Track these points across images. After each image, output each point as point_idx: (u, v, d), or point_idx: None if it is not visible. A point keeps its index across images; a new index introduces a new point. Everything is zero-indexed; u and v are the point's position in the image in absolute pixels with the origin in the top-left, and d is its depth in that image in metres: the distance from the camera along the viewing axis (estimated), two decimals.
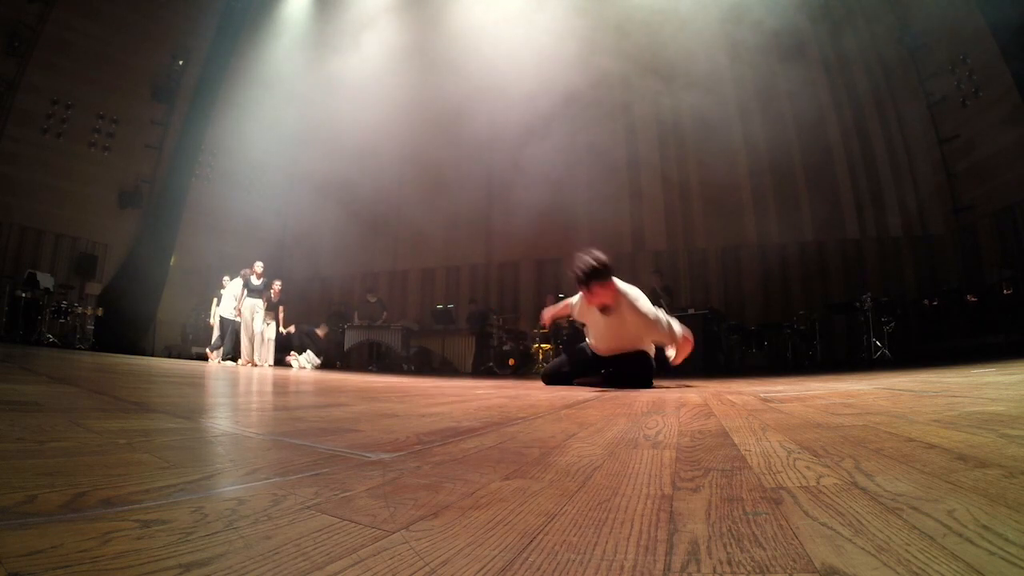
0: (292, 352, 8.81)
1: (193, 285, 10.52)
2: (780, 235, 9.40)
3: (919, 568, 0.38)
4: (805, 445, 0.91)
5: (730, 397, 2.15)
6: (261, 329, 8.13)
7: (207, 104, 10.66)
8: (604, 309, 3.22)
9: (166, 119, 10.59)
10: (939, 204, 8.74)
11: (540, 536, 0.48)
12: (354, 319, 10.22)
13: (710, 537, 0.47)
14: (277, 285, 8.58)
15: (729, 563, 0.41)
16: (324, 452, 0.90)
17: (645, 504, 0.58)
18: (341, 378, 4.56)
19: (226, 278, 8.64)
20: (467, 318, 9.74)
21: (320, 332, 9.52)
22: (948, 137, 8.47)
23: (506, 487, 0.67)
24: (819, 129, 9.29)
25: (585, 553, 0.44)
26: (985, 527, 0.45)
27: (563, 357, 3.95)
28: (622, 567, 0.41)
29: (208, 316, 9.16)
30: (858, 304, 7.51)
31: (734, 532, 0.48)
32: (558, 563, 0.42)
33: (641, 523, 0.51)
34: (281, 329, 8.62)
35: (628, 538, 0.47)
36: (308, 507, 0.56)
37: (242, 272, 8.34)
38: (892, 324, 7.24)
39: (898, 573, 0.38)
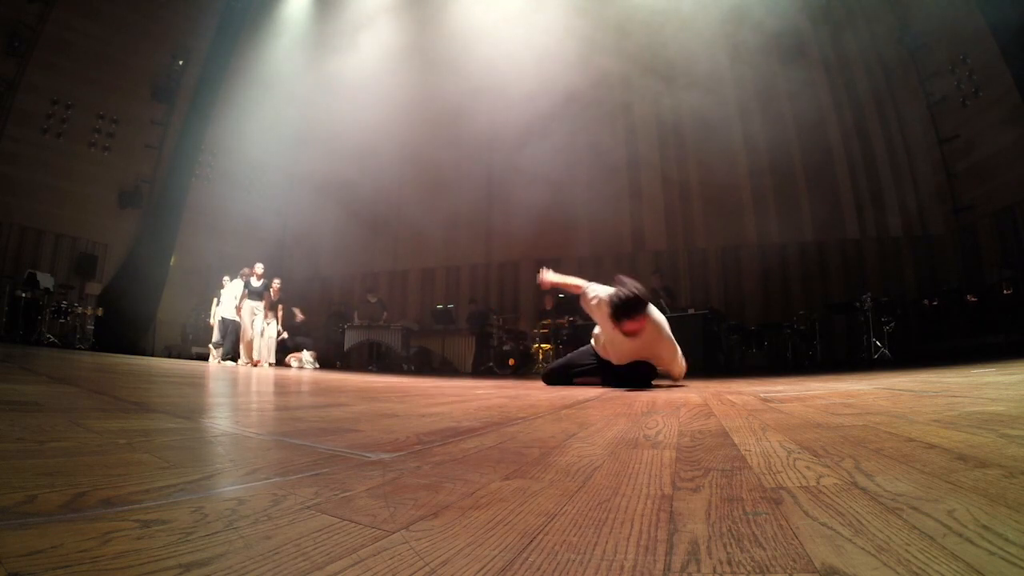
0: (291, 352, 8.81)
1: (193, 285, 10.52)
2: (780, 235, 9.40)
3: (919, 568, 0.38)
4: (805, 445, 0.91)
5: (730, 397, 2.15)
6: (261, 328, 8.13)
7: (207, 104, 10.66)
8: (630, 334, 3.17)
9: (166, 119, 10.59)
10: (939, 204, 8.74)
11: (540, 536, 0.48)
12: (354, 319, 10.21)
13: (710, 537, 0.47)
14: (276, 283, 8.57)
15: (729, 563, 0.41)
16: (324, 452, 0.90)
17: (645, 504, 0.58)
18: (341, 378, 4.56)
19: (226, 278, 8.64)
20: (467, 318, 9.74)
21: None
22: (948, 137, 8.47)
23: (506, 487, 0.67)
24: (819, 129, 9.29)
25: (585, 553, 0.44)
26: (985, 527, 0.45)
27: (567, 357, 3.91)
28: (622, 567, 0.41)
29: (208, 316, 9.16)
30: (858, 304, 7.51)
31: (734, 532, 0.48)
32: (558, 563, 0.42)
33: (641, 523, 0.51)
34: (280, 328, 8.59)
35: (628, 538, 0.47)
36: (308, 507, 0.56)
37: (241, 272, 8.33)
38: (892, 324, 7.24)
39: (898, 573, 0.38)
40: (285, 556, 0.42)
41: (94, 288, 9.56)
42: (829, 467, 0.73)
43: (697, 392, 2.63)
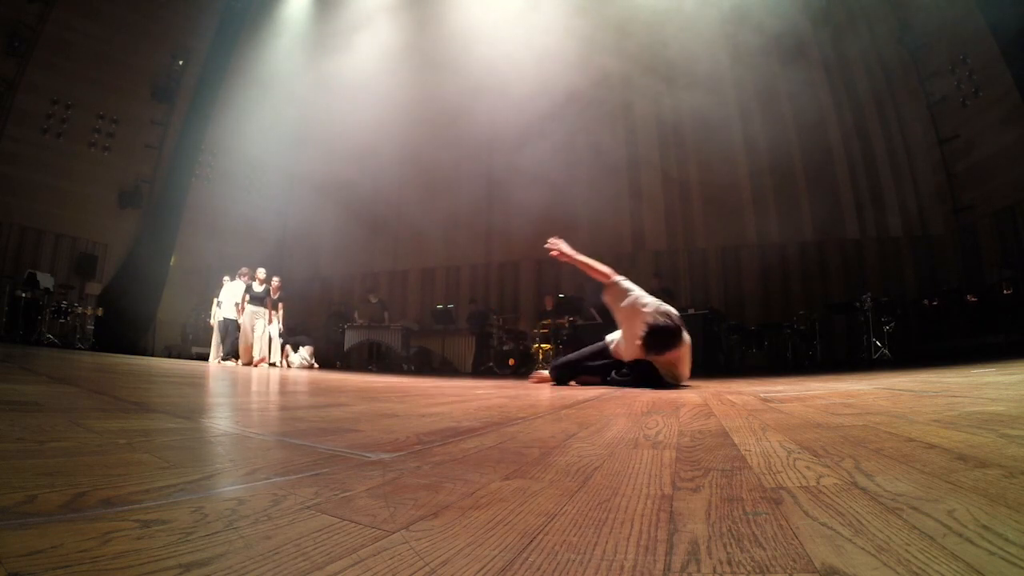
0: (291, 351, 8.81)
1: (193, 285, 10.52)
2: (780, 235, 9.40)
3: (919, 568, 0.38)
4: (805, 445, 0.91)
5: (730, 397, 2.15)
6: (263, 330, 8.10)
7: (207, 104, 10.66)
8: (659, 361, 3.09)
9: (166, 119, 10.59)
10: (939, 204, 8.74)
11: (540, 536, 0.48)
12: (355, 319, 10.22)
13: (710, 537, 0.47)
14: (276, 281, 8.52)
15: (729, 563, 0.41)
16: (324, 452, 0.90)
17: (645, 504, 0.58)
18: (341, 378, 4.56)
19: (226, 278, 8.63)
20: (467, 318, 9.74)
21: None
22: (948, 137, 8.47)
23: (506, 487, 0.67)
24: (819, 129, 9.30)
25: (585, 553, 0.44)
26: (985, 527, 0.45)
27: (579, 353, 3.77)
28: (622, 567, 0.41)
29: (208, 316, 9.15)
30: (858, 304, 7.51)
31: (734, 532, 0.48)
32: (558, 563, 0.42)
33: (641, 523, 0.51)
34: (281, 328, 8.57)
35: (628, 538, 0.47)
36: (308, 507, 0.56)
37: (240, 271, 8.34)
38: (892, 324, 7.24)
39: (898, 573, 0.38)
40: (285, 556, 0.42)
41: (94, 288, 9.56)
42: (829, 467, 0.73)
43: (697, 392, 2.63)
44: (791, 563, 0.40)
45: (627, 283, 3.40)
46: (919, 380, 2.61)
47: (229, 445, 0.98)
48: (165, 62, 10.52)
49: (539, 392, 2.91)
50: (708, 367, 6.78)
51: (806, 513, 0.52)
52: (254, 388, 2.93)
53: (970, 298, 7.21)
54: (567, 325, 8.33)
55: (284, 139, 11.97)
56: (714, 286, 9.72)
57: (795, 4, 8.87)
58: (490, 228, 11.18)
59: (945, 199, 8.62)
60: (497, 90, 9.53)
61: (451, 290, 11.43)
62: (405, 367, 9.34)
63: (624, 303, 3.28)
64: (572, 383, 3.62)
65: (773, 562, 0.40)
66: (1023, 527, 0.45)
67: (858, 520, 0.49)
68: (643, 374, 3.21)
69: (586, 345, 3.87)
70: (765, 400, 1.93)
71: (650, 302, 3.25)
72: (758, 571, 0.39)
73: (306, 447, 0.95)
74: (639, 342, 3.02)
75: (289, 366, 8.47)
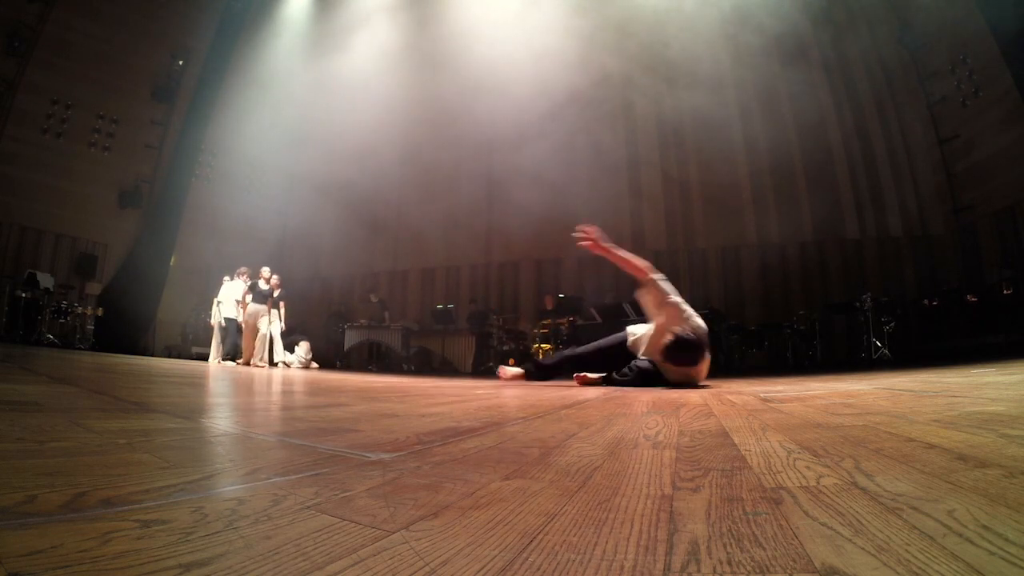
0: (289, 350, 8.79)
1: (193, 285, 10.51)
2: (780, 235, 9.41)
3: (919, 568, 0.38)
4: (805, 445, 0.91)
5: (730, 397, 2.15)
6: (266, 329, 8.06)
7: (207, 104, 10.66)
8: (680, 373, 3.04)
9: (166, 119, 10.59)
10: (939, 204, 8.74)
11: (540, 536, 0.48)
12: (356, 319, 10.21)
13: (710, 537, 0.47)
14: (275, 279, 8.45)
15: (729, 563, 0.41)
16: (324, 452, 0.90)
17: (645, 504, 0.58)
18: (341, 378, 4.56)
19: (226, 278, 8.62)
20: (467, 318, 9.74)
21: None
22: (948, 137, 8.47)
23: (506, 487, 0.67)
24: (819, 129, 9.30)
25: (585, 553, 0.44)
26: (985, 527, 0.45)
27: (595, 346, 3.66)
28: (622, 567, 0.41)
29: (208, 316, 9.14)
30: (858, 304, 7.51)
31: (734, 532, 0.48)
32: (558, 563, 0.42)
33: (641, 523, 0.51)
34: (283, 326, 8.51)
35: (628, 538, 0.47)
36: (308, 507, 0.56)
37: (239, 270, 8.32)
38: (892, 324, 7.24)
39: (898, 573, 0.38)
40: (285, 556, 0.42)
41: (94, 288, 9.56)
42: (829, 467, 0.73)
43: (697, 392, 2.63)
44: (791, 563, 0.40)
45: (666, 284, 3.29)
46: (919, 380, 2.61)
47: (229, 445, 0.98)
48: (165, 62, 10.52)
49: (539, 392, 2.92)
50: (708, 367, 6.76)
51: (806, 513, 0.52)
52: (254, 388, 2.93)
53: (970, 298, 7.21)
54: (567, 325, 8.33)
55: (284, 139, 11.97)
56: (714, 286, 9.72)
57: (795, 5, 8.88)
58: (490, 228, 11.18)
59: (945, 199, 8.62)
60: (497, 90, 9.53)
61: (451, 290, 11.43)
62: (405, 367, 9.34)
63: (661, 305, 3.17)
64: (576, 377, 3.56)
65: (773, 562, 0.40)
66: (1023, 527, 0.45)
67: (858, 520, 0.49)
68: (644, 375, 3.20)
69: (585, 343, 3.83)
70: (765, 400, 1.93)
71: (688, 312, 3.17)
72: (758, 571, 0.39)
73: (306, 447, 0.95)
74: (662, 348, 2.97)
75: (288, 365, 8.46)
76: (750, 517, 0.52)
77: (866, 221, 9.13)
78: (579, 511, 0.56)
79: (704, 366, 3.09)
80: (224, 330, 8.23)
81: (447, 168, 11.22)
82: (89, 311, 9.06)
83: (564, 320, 8.42)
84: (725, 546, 0.44)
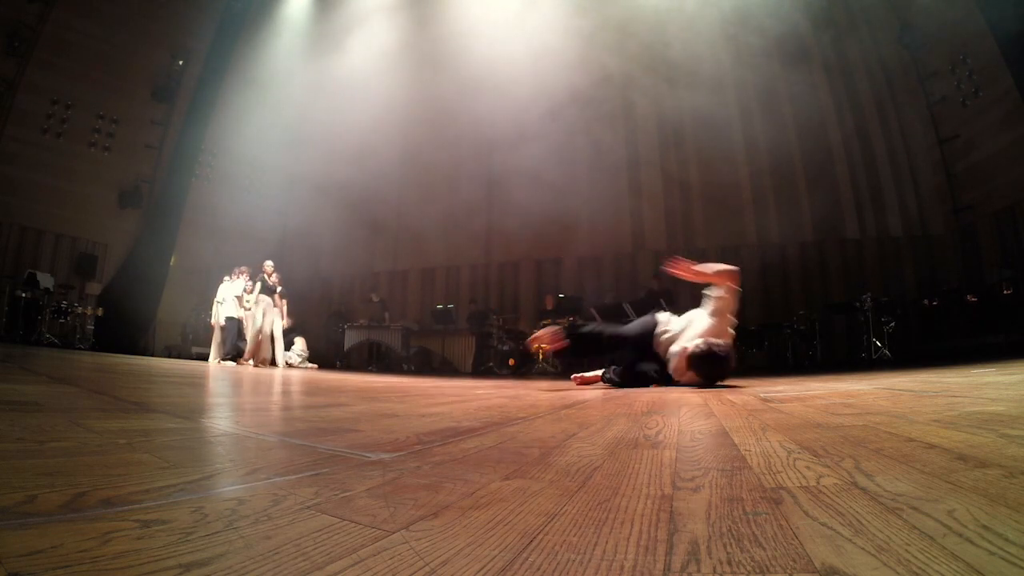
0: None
1: (193, 285, 10.51)
2: (780, 235, 9.40)
3: (919, 568, 0.38)
4: (805, 445, 0.91)
5: (730, 397, 2.15)
6: (271, 326, 8.00)
7: (207, 104, 10.66)
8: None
9: (166, 119, 10.59)
10: (939, 204, 8.74)
11: (540, 536, 0.48)
12: (356, 319, 10.21)
13: (710, 537, 0.47)
14: (275, 276, 8.28)
15: (729, 563, 0.41)
16: (324, 452, 0.90)
17: (645, 504, 0.58)
18: (341, 378, 4.56)
19: (226, 278, 8.62)
20: (467, 318, 9.74)
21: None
22: (948, 137, 8.47)
23: (506, 487, 0.67)
24: (819, 129, 9.30)
25: (585, 553, 0.44)
26: (985, 527, 0.45)
27: (618, 333, 3.61)
28: (622, 567, 0.41)
29: (209, 316, 9.12)
30: (858, 304, 7.51)
31: (734, 532, 0.48)
32: (558, 563, 0.42)
33: (641, 523, 0.51)
34: (284, 323, 8.42)
35: (628, 538, 0.47)
36: (308, 507, 0.56)
37: (240, 269, 8.31)
38: (892, 324, 7.24)
39: (898, 573, 0.38)
40: (285, 556, 0.42)
41: (94, 288, 9.56)
42: (829, 467, 0.73)
43: (697, 392, 2.63)
44: (791, 563, 0.40)
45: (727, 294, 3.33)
46: (919, 380, 2.61)
47: (229, 445, 0.98)
48: (165, 62, 10.52)
49: (539, 392, 2.92)
50: None
51: (806, 513, 0.52)
52: (254, 388, 2.93)
53: (970, 298, 7.21)
54: (567, 325, 8.33)
55: (284, 139, 11.97)
56: None
57: (796, 5, 8.88)
58: (490, 228, 11.18)
59: (945, 199, 8.62)
60: (497, 90, 9.53)
61: (451, 290, 11.43)
62: (405, 367, 9.34)
63: (722, 313, 3.19)
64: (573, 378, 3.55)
65: (773, 562, 0.40)
66: (1023, 527, 0.45)
67: (858, 520, 0.49)
68: (636, 377, 3.22)
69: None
70: (765, 400, 1.93)
71: (732, 332, 3.20)
72: (758, 571, 0.39)
73: (306, 447, 0.95)
74: (691, 353, 2.95)
75: (291, 365, 8.45)
76: (750, 517, 0.52)
77: (866, 221, 9.13)
78: (579, 511, 0.56)
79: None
80: (224, 330, 8.22)
81: (447, 168, 11.22)
82: (89, 311, 9.05)
83: (564, 320, 8.42)
84: (725, 546, 0.44)
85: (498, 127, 9.91)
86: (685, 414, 1.55)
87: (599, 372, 3.79)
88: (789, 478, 0.68)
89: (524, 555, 0.44)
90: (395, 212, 12.05)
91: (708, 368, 2.88)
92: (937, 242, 8.72)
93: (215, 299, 8.51)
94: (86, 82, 9.42)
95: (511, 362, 8.69)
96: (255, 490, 0.64)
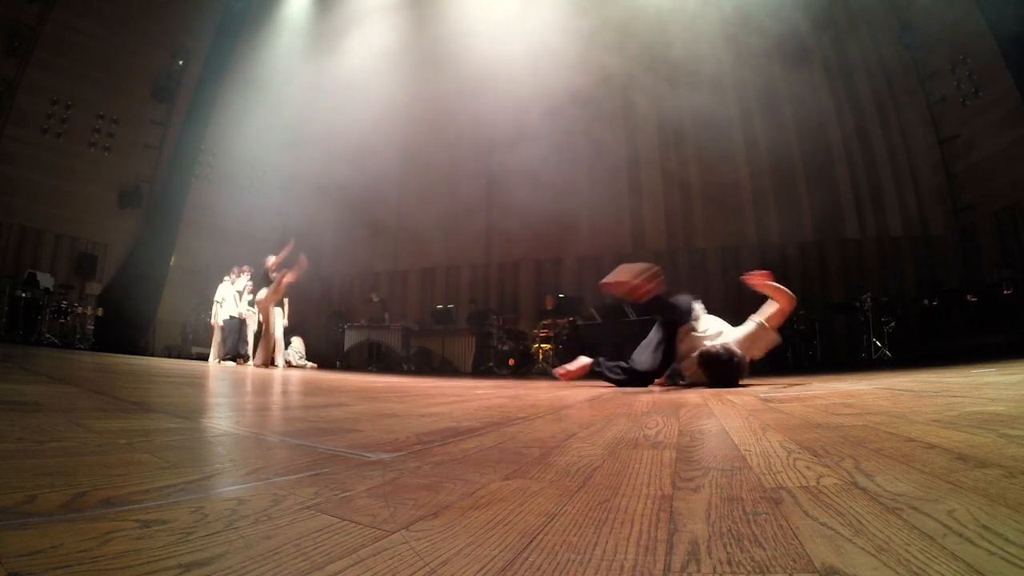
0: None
1: (193, 285, 10.51)
2: (780, 235, 9.40)
3: (919, 568, 0.38)
4: (805, 445, 0.91)
5: (730, 397, 2.15)
6: (280, 325, 7.94)
7: (207, 104, 10.66)
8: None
9: (166, 119, 10.59)
10: (939, 204, 8.74)
11: (540, 536, 0.48)
12: (356, 319, 10.21)
13: (710, 537, 0.47)
14: (271, 261, 8.11)
15: (729, 563, 0.41)
16: (324, 452, 0.90)
17: (645, 504, 0.58)
18: (341, 378, 4.56)
19: (226, 278, 8.62)
20: (467, 318, 9.74)
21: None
22: (948, 137, 8.47)
23: (506, 487, 0.67)
24: (819, 129, 9.30)
25: (585, 553, 0.44)
26: (985, 527, 0.45)
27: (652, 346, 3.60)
28: (622, 567, 0.41)
29: (208, 316, 9.12)
30: (858, 304, 7.51)
31: (734, 532, 0.48)
32: (558, 563, 0.42)
33: (641, 523, 0.51)
34: (286, 322, 8.37)
35: (628, 538, 0.47)
36: (308, 507, 0.56)
37: (242, 269, 8.30)
38: (892, 324, 7.24)
39: (898, 573, 0.38)
40: (285, 556, 0.42)
41: (94, 288, 9.56)
42: (829, 467, 0.73)
43: (697, 392, 2.63)
44: (791, 563, 0.40)
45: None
46: (919, 380, 2.61)
47: (229, 445, 0.98)
48: (165, 62, 10.52)
49: (539, 392, 2.92)
50: None
51: (806, 513, 0.52)
52: (254, 388, 2.93)
53: (970, 298, 7.21)
54: (567, 325, 8.33)
55: (284, 139, 11.97)
56: (714, 286, 9.71)
57: (796, 6, 8.88)
58: (490, 228, 11.18)
59: (945, 199, 8.62)
60: (497, 90, 9.53)
61: (451, 290, 11.43)
62: (405, 367, 9.34)
63: (762, 330, 3.34)
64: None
65: (773, 562, 0.40)
66: (1023, 527, 0.45)
67: (858, 520, 0.49)
68: (635, 376, 3.23)
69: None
70: (765, 400, 1.93)
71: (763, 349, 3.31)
72: (758, 571, 0.39)
73: (306, 447, 0.95)
74: (703, 351, 2.99)
75: (290, 364, 8.44)
76: (750, 517, 0.52)
77: (866, 221, 9.13)
78: (579, 511, 0.56)
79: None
80: (224, 330, 8.22)
81: (447, 168, 11.22)
82: (89, 311, 9.05)
83: (564, 320, 8.42)
84: (725, 546, 0.44)
85: (498, 127, 9.91)
86: (685, 414, 1.55)
87: (585, 361, 3.75)
88: (789, 478, 0.68)
89: (524, 555, 0.44)
90: (395, 212, 12.05)
91: (718, 371, 2.89)
92: (937, 242, 8.72)
93: (215, 299, 8.51)
94: (86, 82, 9.42)
95: (511, 362, 8.68)
96: (255, 490, 0.64)
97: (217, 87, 10.74)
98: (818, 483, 0.64)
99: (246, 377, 4.12)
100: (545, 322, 8.73)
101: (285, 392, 2.75)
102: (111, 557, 0.41)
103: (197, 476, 0.70)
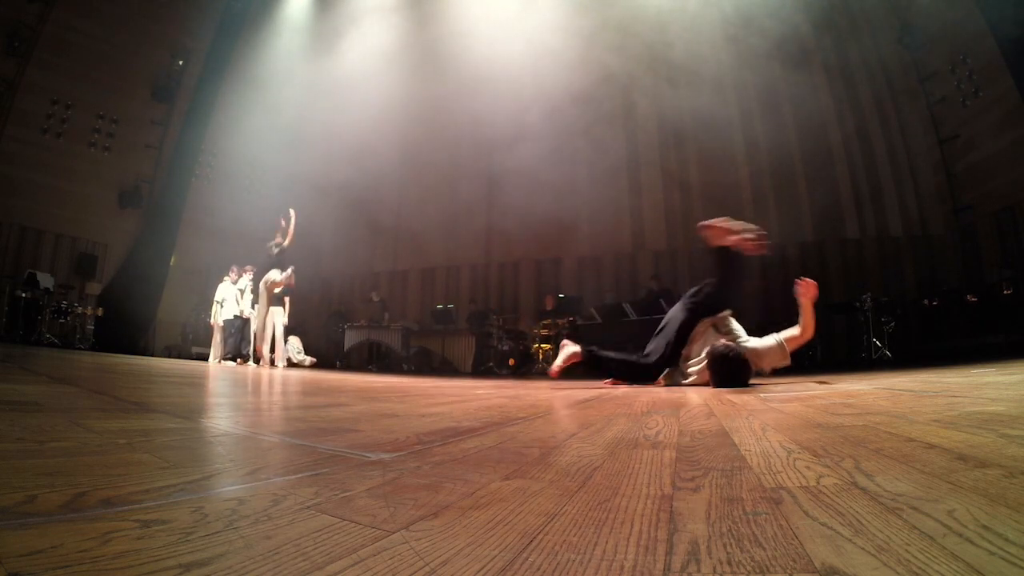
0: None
1: (193, 285, 10.52)
2: (780, 235, 9.40)
3: (919, 568, 0.38)
4: (805, 445, 0.91)
5: (730, 397, 2.15)
6: (273, 328, 7.94)
7: (207, 104, 10.67)
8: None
9: (166, 119, 10.59)
10: (939, 204, 8.75)
11: (540, 536, 0.48)
12: (356, 319, 10.21)
13: (710, 537, 0.47)
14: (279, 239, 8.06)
15: (729, 563, 0.41)
16: (324, 452, 0.90)
17: (645, 504, 0.58)
18: (341, 378, 4.56)
19: (226, 278, 8.62)
20: (467, 318, 9.74)
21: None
22: (948, 137, 8.47)
23: (506, 487, 0.67)
24: (820, 129, 9.30)
25: (585, 553, 0.44)
26: (985, 527, 0.45)
27: (664, 343, 3.63)
28: (622, 567, 0.41)
29: (208, 316, 9.12)
30: (858, 304, 7.51)
31: (734, 532, 0.48)
32: (558, 563, 0.42)
33: (641, 523, 0.51)
34: (286, 321, 8.35)
35: (628, 538, 0.47)
36: (308, 507, 0.56)
37: (243, 269, 8.31)
38: (892, 324, 7.24)
39: (898, 573, 0.38)
40: (285, 556, 0.42)
41: (94, 288, 9.57)
42: (829, 467, 0.73)
43: (697, 392, 2.63)
44: (791, 563, 0.40)
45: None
46: (919, 380, 2.61)
47: (229, 445, 0.98)
48: (165, 62, 10.53)
49: (539, 392, 2.92)
50: None
51: (806, 513, 0.52)
52: (254, 388, 2.93)
53: (970, 298, 7.21)
54: (567, 325, 8.33)
55: (284, 139, 11.96)
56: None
57: (797, 6, 8.89)
58: (490, 228, 11.18)
59: (945, 199, 8.62)
60: (497, 90, 9.53)
61: (451, 290, 11.43)
62: (405, 367, 9.34)
63: (784, 345, 3.34)
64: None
65: (773, 562, 0.40)
66: (1023, 527, 0.45)
67: (858, 520, 0.49)
68: (637, 371, 3.23)
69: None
70: (765, 400, 1.93)
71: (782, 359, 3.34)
72: (758, 571, 0.39)
73: (306, 447, 0.95)
74: (713, 347, 2.99)
75: (289, 362, 8.43)
76: (750, 517, 0.52)
77: (866, 221, 9.13)
78: (579, 511, 0.56)
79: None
80: (224, 330, 8.22)
81: (446, 168, 11.22)
82: (89, 311, 9.06)
83: (564, 320, 8.42)
84: (725, 546, 0.44)
85: (498, 127, 9.91)
86: (685, 414, 1.55)
87: (572, 349, 3.75)
88: (789, 478, 0.68)
89: (524, 555, 0.44)
90: (395, 212, 12.05)
91: (728, 369, 2.87)
92: (937, 242, 8.72)
93: (215, 299, 8.51)
94: (86, 82, 9.42)
95: (511, 362, 8.68)
96: (255, 490, 0.64)
97: (217, 87, 10.75)
98: (818, 483, 0.64)
99: (246, 377, 4.12)
100: (545, 322, 8.73)
101: (285, 392, 2.75)
102: (111, 557, 0.41)
103: (197, 476, 0.70)
